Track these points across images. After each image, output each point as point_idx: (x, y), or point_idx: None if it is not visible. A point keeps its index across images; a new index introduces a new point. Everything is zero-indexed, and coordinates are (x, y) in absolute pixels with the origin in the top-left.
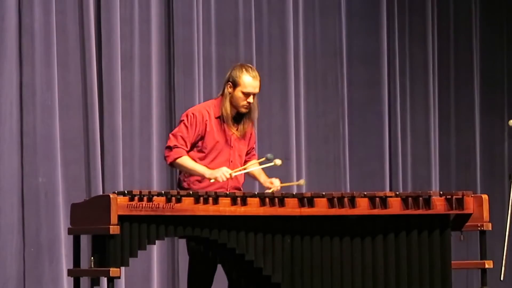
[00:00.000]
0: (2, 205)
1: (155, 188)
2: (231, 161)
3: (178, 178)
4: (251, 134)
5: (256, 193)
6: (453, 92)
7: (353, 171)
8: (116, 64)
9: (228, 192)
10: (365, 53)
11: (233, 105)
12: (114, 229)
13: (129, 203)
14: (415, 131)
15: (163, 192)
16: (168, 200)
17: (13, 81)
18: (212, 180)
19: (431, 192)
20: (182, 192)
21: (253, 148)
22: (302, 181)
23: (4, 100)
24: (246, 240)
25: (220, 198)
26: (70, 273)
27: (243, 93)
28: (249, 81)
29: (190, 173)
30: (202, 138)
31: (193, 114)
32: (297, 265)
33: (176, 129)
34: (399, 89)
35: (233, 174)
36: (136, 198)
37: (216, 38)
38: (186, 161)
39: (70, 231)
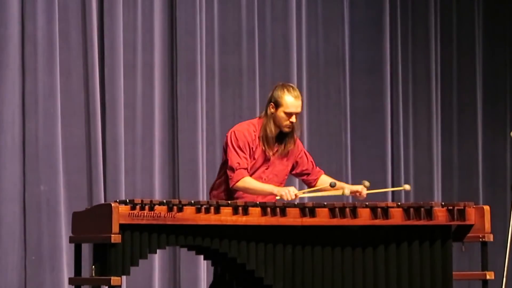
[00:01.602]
0: (3, 213)
1: (157, 197)
2: (264, 179)
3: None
4: (301, 154)
5: (257, 202)
6: (456, 102)
7: (355, 180)
8: (118, 72)
9: (229, 202)
10: (368, 63)
11: (276, 125)
12: (116, 238)
13: (130, 212)
14: (418, 140)
15: (164, 201)
16: (170, 209)
17: (16, 89)
18: (278, 197)
19: (432, 203)
20: (184, 201)
21: (313, 167)
22: (407, 186)
23: (6, 108)
24: (247, 250)
25: (221, 208)
26: (71, 281)
27: (286, 113)
28: (291, 101)
29: (256, 193)
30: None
31: (242, 133)
32: (298, 275)
33: (232, 149)
34: (401, 98)
35: (299, 195)
36: (137, 207)
37: (219, 47)
38: (250, 182)
39: (71, 240)
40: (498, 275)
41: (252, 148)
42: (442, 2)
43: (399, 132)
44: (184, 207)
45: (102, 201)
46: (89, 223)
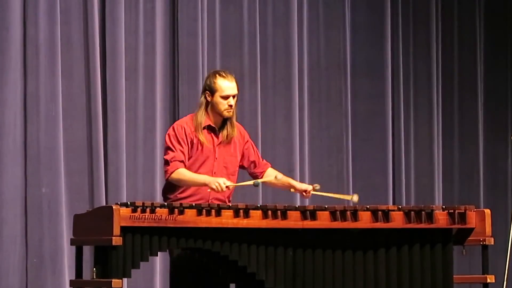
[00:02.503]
0: (5, 215)
1: (158, 199)
2: (215, 172)
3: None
4: (247, 146)
5: (258, 205)
6: (457, 105)
7: (356, 184)
8: (120, 75)
9: (230, 205)
10: (369, 66)
11: (216, 112)
12: (117, 240)
13: (131, 214)
14: (419, 144)
15: (166, 203)
16: (171, 212)
17: (17, 92)
18: (209, 190)
19: (433, 206)
20: (185, 204)
21: (259, 158)
22: (355, 197)
23: (8, 111)
24: (248, 253)
25: (222, 211)
26: (72, 284)
27: (222, 97)
28: (225, 84)
29: (189, 185)
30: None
31: (180, 126)
32: (299, 278)
33: (169, 143)
34: (403, 102)
35: (231, 187)
36: (139, 209)
37: (221, 50)
38: (184, 173)
39: (72, 242)
40: (499, 278)
41: (192, 140)
42: (443, 5)
43: (400, 135)
44: (185, 209)
45: (104, 204)
46: (90, 225)
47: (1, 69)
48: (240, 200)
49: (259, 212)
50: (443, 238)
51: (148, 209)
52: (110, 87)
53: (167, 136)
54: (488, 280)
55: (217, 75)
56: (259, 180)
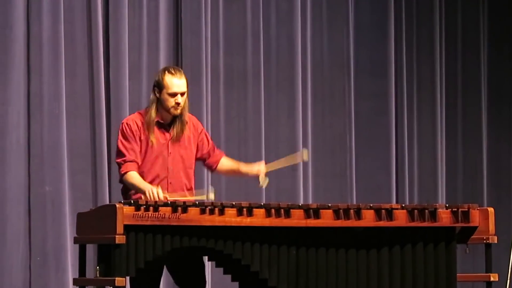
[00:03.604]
0: (9, 214)
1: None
2: (169, 167)
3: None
4: (201, 137)
5: (262, 204)
6: (460, 104)
7: (360, 182)
8: (124, 73)
9: (234, 203)
10: (373, 65)
11: (165, 109)
12: (120, 239)
13: (135, 213)
14: (422, 142)
15: (169, 202)
16: (174, 210)
17: (21, 90)
18: (142, 197)
19: (437, 204)
20: (188, 203)
21: (214, 149)
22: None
23: (11, 109)
24: (251, 251)
25: (226, 209)
26: (75, 282)
27: (169, 94)
28: (172, 81)
29: (134, 189)
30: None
31: (127, 124)
32: (303, 277)
33: (119, 145)
34: (406, 101)
35: (168, 198)
36: (142, 208)
37: (224, 48)
38: (131, 178)
39: (76, 240)
40: (502, 277)
41: (140, 136)
42: (447, 4)
43: (403, 134)
44: (189, 208)
45: (107, 202)
46: (94, 224)
47: (4, 67)
48: (243, 198)
49: (262, 210)
50: (447, 236)
51: (151, 208)
52: (114, 86)
53: (118, 134)
54: (492, 279)
55: (166, 72)
56: (209, 195)
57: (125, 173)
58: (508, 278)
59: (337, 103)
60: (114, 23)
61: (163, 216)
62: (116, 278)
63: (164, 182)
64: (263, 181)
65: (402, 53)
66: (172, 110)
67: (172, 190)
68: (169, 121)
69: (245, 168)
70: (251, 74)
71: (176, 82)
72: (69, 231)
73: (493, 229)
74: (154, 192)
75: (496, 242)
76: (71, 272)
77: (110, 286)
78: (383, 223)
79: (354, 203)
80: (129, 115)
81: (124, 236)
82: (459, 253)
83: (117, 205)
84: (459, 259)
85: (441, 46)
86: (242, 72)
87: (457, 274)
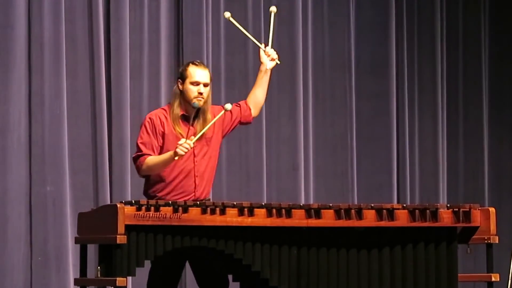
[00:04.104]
0: (10, 213)
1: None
2: (195, 155)
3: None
4: (228, 116)
5: (263, 204)
6: (462, 104)
7: (361, 182)
8: (125, 73)
9: (235, 203)
10: (374, 64)
11: (187, 99)
12: (121, 239)
13: (136, 213)
14: (423, 143)
15: (170, 202)
16: (175, 210)
17: (22, 90)
18: (176, 158)
19: (438, 204)
20: (189, 202)
21: (239, 107)
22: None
23: (13, 109)
24: (252, 251)
25: (227, 209)
26: (76, 282)
27: (192, 83)
28: (196, 70)
29: (161, 167)
30: (162, 140)
31: (150, 119)
32: (304, 277)
33: (138, 137)
34: (407, 100)
35: (192, 143)
36: (143, 208)
37: (225, 48)
38: (151, 160)
39: (77, 240)
40: (504, 277)
41: (164, 131)
42: (448, 4)
43: (404, 134)
44: (190, 208)
45: (108, 202)
46: (95, 224)
47: (5, 67)
48: (244, 198)
49: (264, 210)
50: (448, 236)
51: (152, 208)
52: (115, 85)
53: (139, 131)
54: (493, 279)
55: (190, 63)
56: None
57: (143, 162)
58: (510, 278)
59: (338, 103)
60: (115, 22)
61: (164, 216)
62: (117, 278)
63: (190, 176)
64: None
65: (403, 53)
66: (194, 100)
67: (199, 182)
68: (192, 114)
69: (259, 76)
70: (252, 74)
71: (199, 72)
72: (70, 231)
73: (494, 229)
74: (184, 145)
75: (497, 242)
76: (72, 272)
77: (111, 286)
78: (384, 223)
79: (355, 203)
80: (152, 111)
81: (125, 236)
82: (460, 253)
83: (118, 205)
84: (460, 259)
85: (442, 46)
86: (243, 71)
87: (459, 274)
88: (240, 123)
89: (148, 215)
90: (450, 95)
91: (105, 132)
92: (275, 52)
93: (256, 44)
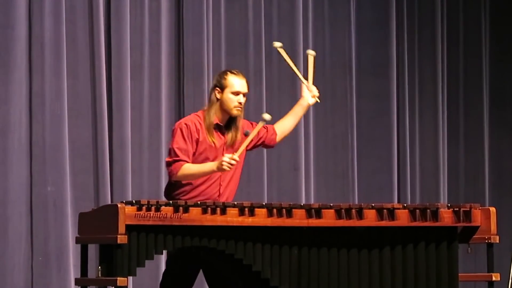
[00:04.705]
0: (10, 214)
1: (163, 198)
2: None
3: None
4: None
5: (264, 203)
6: (462, 104)
7: (361, 182)
8: (125, 74)
9: (236, 203)
10: (374, 65)
11: (225, 110)
12: (122, 239)
13: (137, 212)
14: (424, 143)
15: (171, 202)
16: (176, 210)
17: (23, 90)
18: (220, 173)
19: (438, 204)
20: (190, 202)
21: (266, 130)
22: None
23: (13, 109)
24: (253, 251)
25: (227, 209)
26: (77, 282)
27: (233, 93)
28: (236, 80)
29: (197, 177)
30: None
31: (186, 124)
32: (304, 276)
33: (173, 142)
34: (408, 101)
35: (236, 156)
36: (144, 208)
37: (226, 48)
38: (188, 168)
39: (77, 240)
40: (504, 276)
41: (198, 138)
42: (448, 4)
43: (405, 134)
44: (190, 208)
45: (109, 202)
46: (96, 223)
47: (6, 67)
48: (245, 198)
49: (264, 210)
50: (448, 236)
51: (153, 208)
52: (115, 86)
53: (173, 134)
54: (493, 278)
55: (228, 72)
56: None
57: (179, 169)
58: (510, 277)
59: (339, 103)
60: (116, 23)
61: (165, 216)
62: (118, 278)
63: (216, 183)
64: (314, 94)
65: (404, 53)
66: (234, 110)
67: (223, 191)
68: (225, 123)
69: (296, 108)
70: (252, 74)
71: (240, 82)
72: (71, 231)
73: (495, 228)
74: (228, 160)
75: (497, 241)
76: (73, 272)
77: (112, 286)
78: (384, 223)
79: (356, 202)
80: (185, 116)
81: (126, 236)
82: (461, 252)
83: (119, 205)
84: (461, 258)
85: (443, 46)
86: (244, 72)
87: (459, 274)
88: (263, 144)
89: (148, 215)
90: (451, 95)
91: (106, 132)
92: (317, 90)
93: (301, 80)
